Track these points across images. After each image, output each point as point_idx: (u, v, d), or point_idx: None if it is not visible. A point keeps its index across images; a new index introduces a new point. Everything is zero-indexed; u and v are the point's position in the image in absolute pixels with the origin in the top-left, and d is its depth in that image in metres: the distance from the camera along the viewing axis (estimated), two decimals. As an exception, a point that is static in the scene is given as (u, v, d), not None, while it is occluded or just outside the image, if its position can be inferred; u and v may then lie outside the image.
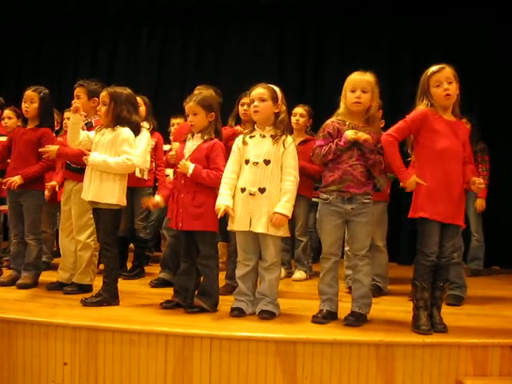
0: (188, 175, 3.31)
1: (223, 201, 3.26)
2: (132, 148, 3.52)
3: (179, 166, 3.35)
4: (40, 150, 3.89)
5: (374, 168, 3.18)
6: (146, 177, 4.60)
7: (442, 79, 3.05)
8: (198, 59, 6.85)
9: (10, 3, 7.00)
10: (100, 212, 3.52)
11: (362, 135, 3.09)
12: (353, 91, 3.14)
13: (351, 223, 3.18)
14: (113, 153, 3.49)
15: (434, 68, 3.08)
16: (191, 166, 3.31)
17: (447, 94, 3.04)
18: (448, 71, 3.07)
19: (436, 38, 6.00)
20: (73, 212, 3.81)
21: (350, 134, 3.10)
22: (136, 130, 3.61)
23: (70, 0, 6.96)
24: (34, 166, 3.94)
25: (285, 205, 3.19)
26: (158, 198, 3.54)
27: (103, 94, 3.55)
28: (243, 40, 6.72)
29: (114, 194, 3.48)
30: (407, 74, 5.89)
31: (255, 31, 6.71)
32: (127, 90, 3.60)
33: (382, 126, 4.14)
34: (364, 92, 3.13)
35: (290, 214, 3.22)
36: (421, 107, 3.10)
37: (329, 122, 3.24)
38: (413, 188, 3.06)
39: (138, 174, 4.38)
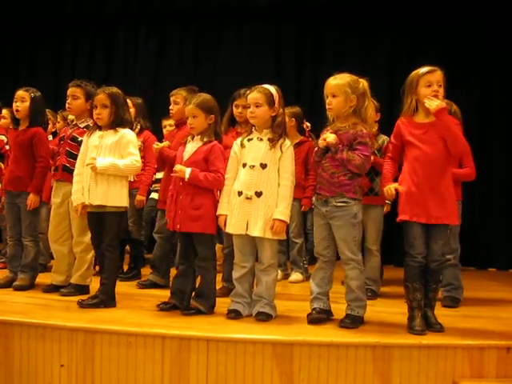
0: (185, 179, 3.31)
1: (224, 210, 3.31)
2: (136, 149, 3.55)
3: (175, 170, 3.36)
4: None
5: (348, 166, 3.11)
6: (131, 178, 4.57)
7: (433, 80, 3.07)
8: (196, 60, 6.84)
9: (7, 3, 6.98)
10: (106, 215, 3.50)
11: (327, 137, 3.12)
12: (327, 97, 3.17)
13: (331, 226, 3.18)
14: (117, 155, 3.49)
15: (426, 68, 3.11)
16: (187, 171, 3.30)
17: (435, 96, 3.06)
18: (440, 74, 3.10)
19: (433, 39, 6.01)
20: (74, 214, 3.75)
21: (319, 141, 3.18)
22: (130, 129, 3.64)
23: (67, 0, 6.95)
24: (35, 175, 3.93)
25: (283, 211, 3.21)
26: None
27: (102, 96, 3.52)
28: (241, 40, 6.72)
29: (122, 197, 3.51)
30: (404, 74, 5.89)
31: (253, 32, 6.71)
32: (118, 90, 3.60)
33: (376, 128, 4.17)
34: (334, 96, 3.13)
35: (288, 220, 3.25)
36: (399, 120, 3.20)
37: (323, 132, 3.30)
38: (390, 195, 3.15)
39: None
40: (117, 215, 3.52)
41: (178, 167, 3.35)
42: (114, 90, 3.57)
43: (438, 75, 3.09)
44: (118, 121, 3.53)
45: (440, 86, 3.08)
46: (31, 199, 3.91)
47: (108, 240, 3.52)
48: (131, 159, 3.48)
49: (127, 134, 3.52)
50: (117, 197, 3.48)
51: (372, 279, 4.03)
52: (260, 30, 6.68)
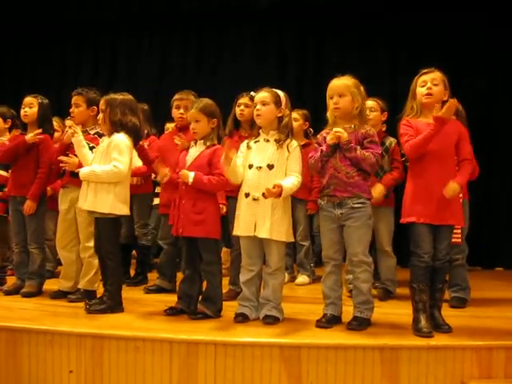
0: (189, 184, 3.30)
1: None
2: (122, 154, 3.43)
3: (179, 175, 3.36)
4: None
5: (362, 164, 3.11)
6: (134, 181, 4.51)
7: (427, 79, 3.11)
8: (198, 62, 6.85)
9: (9, 9, 7.00)
10: (98, 221, 3.51)
11: (335, 133, 3.07)
12: (331, 98, 3.17)
13: (344, 228, 3.16)
14: (107, 160, 3.46)
15: (424, 70, 3.15)
16: (191, 175, 3.30)
17: (428, 93, 3.09)
18: (436, 74, 3.12)
19: (434, 39, 6.02)
20: (81, 220, 3.77)
21: (328, 138, 3.13)
22: (136, 133, 3.57)
23: (69, 5, 6.96)
24: (35, 182, 3.95)
25: (288, 185, 3.15)
26: None
27: (101, 102, 3.56)
28: (243, 42, 6.73)
29: (106, 204, 3.44)
30: (406, 74, 5.87)
31: (255, 34, 6.73)
32: (124, 95, 3.58)
33: (384, 128, 4.17)
34: (341, 96, 3.13)
35: (284, 196, 3.15)
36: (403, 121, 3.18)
37: (320, 133, 3.30)
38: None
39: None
40: (106, 222, 3.47)
41: (181, 172, 3.36)
42: (114, 94, 3.55)
43: (433, 75, 3.12)
44: (113, 124, 3.50)
45: (436, 84, 3.09)
46: (28, 205, 3.93)
47: (105, 247, 3.51)
48: (111, 164, 3.41)
49: (115, 139, 3.46)
50: (104, 204, 3.43)
51: (389, 279, 4.06)
52: (262, 32, 6.69)
